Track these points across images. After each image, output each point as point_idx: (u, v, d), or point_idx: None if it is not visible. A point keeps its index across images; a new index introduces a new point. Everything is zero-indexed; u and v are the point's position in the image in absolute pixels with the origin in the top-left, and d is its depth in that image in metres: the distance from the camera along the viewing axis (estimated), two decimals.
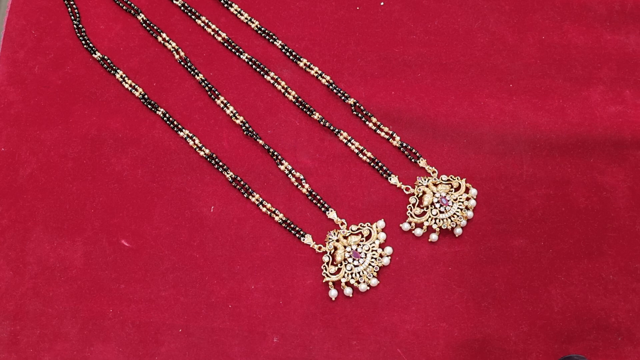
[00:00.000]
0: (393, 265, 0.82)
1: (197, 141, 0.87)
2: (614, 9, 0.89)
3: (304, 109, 0.87)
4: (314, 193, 0.84)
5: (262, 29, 0.91)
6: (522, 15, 0.90)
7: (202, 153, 0.86)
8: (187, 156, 0.87)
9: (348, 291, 0.80)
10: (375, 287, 0.81)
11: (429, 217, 0.82)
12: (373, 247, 0.81)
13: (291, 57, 0.90)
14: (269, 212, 0.84)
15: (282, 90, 0.88)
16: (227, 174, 0.85)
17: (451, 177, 0.83)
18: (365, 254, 0.81)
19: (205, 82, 0.89)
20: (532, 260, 0.81)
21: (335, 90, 0.88)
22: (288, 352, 0.79)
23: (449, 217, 0.81)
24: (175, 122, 0.88)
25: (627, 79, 0.86)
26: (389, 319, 0.80)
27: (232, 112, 0.88)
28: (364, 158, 0.85)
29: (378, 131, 0.86)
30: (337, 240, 0.81)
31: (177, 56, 0.91)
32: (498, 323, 0.79)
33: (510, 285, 0.80)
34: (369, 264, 0.81)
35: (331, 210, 0.83)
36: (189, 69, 0.90)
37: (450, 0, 0.91)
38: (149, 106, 0.89)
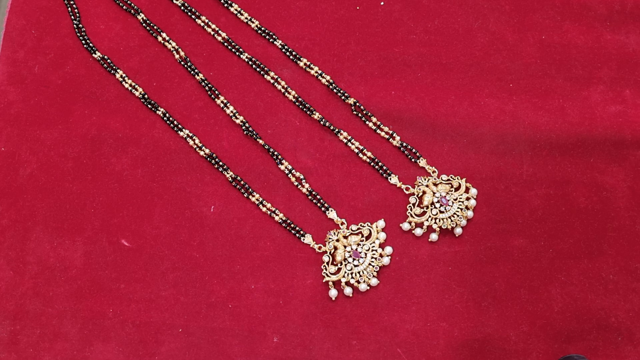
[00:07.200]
0: (393, 265, 0.82)
1: (197, 141, 0.87)
2: (614, 8, 0.89)
3: (304, 109, 0.87)
4: (314, 193, 0.84)
5: (262, 28, 0.91)
6: (522, 15, 0.90)
7: (202, 153, 0.86)
8: (187, 156, 0.87)
9: (348, 291, 0.80)
10: (375, 287, 0.81)
11: (429, 216, 0.82)
12: (373, 246, 0.81)
13: (291, 57, 0.90)
14: (269, 212, 0.84)
15: (282, 90, 0.88)
16: (227, 173, 0.85)
17: (451, 177, 0.83)
18: (365, 254, 0.81)
19: (205, 81, 0.89)
20: (532, 260, 0.81)
21: (335, 90, 0.88)
22: (288, 352, 0.79)
23: (449, 217, 0.81)
24: (175, 122, 0.88)
25: (627, 78, 0.86)
26: (389, 318, 0.80)
27: (232, 111, 0.88)
28: (364, 158, 0.85)
29: (378, 131, 0.86)
30: (337, 240, 0.81)
31: (177, 56, 0.91)
32: (498, 323, 0.79)
33: (510, 285, 0.80)
34: (369, 264, 0.81)
35: (331, 210, 0.83)
36: (189, 69, 0.90)
37: (450, 0, 0.91)
38: (149, 106, 0.89)
